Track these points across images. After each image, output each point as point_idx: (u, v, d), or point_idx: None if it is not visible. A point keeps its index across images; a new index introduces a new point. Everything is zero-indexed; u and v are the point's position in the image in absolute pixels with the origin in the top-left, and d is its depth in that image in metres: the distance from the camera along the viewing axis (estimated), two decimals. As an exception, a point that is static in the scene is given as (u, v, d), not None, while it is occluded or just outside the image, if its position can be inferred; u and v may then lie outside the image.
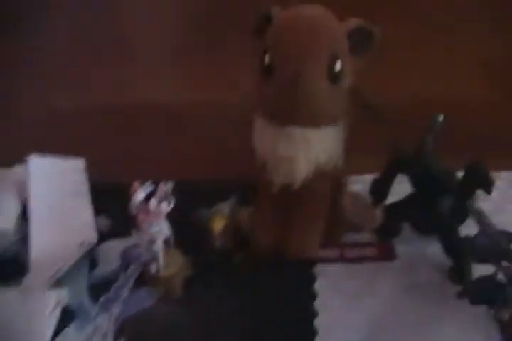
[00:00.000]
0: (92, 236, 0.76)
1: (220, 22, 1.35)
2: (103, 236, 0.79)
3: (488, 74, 1.17)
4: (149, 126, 1.05)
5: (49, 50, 1.29)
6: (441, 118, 0.67)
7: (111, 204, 0.83)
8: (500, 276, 0.70)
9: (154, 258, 0.70)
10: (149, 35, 1.39)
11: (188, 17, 1.46)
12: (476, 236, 0.73)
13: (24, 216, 0.77)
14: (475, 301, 0.69)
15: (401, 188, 0.77)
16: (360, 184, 0.85)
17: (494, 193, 0.81)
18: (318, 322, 0.68)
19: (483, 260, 0.72)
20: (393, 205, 0.76)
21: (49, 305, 0.66)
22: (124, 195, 0.80)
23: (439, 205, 0.71)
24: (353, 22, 0.67)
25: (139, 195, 0.65)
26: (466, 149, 0.67)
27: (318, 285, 0.73)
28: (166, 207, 0.67)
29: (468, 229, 0.75)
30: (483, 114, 1.03)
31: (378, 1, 1.34)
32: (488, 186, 0.62)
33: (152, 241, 0.68)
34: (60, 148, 0.86)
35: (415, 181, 0.70)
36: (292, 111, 0.65)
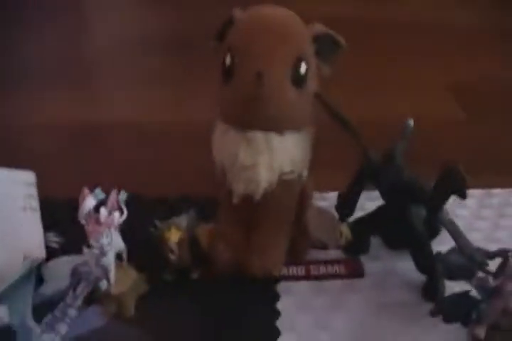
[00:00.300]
0: (40, 252, 0.70)
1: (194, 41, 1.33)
2: (53, 253, 0.74)
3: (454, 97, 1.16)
4: (106, 142, 1.02)
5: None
6: (412, 123, 0.65)
7: (62, 220, 0.79)
8: (474, 293, 0.66)
9: (104, 274, 0.64)
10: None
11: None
12: (448, 252, 0.70)
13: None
14: (449, 319, 0.66)
15: (369, 205, 0.75)
16: (326, 201, 0.82)
17: (464, 211, 0.79)
18: (282, 342, 0.63)
19: (455, 277, 0.69)
20: (361, 220, 0.73)
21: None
22: (76, 210, 0.76)
23: (410, 217, 0.67)
24: (318, 27, 0.64)
25: (89, 202, 0.60)
26: (431, 167, 0.64)
27: (281, 304, 0.68)
28: (118, 217, 0.62)
29: (440, 246, 0.72)
30: (449, 134, 1.03)
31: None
32: (463, 189, 0.59)
33: (102, 255, 0.62)
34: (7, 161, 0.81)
35: (385, 191, 0.67)
36: (254, 114, 0.61)
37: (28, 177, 0.79)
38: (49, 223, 0.77)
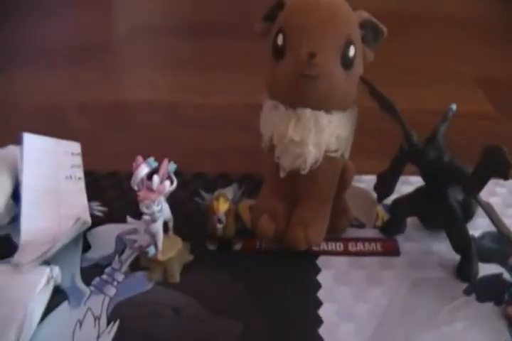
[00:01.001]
0: (87, 217, 0.72)
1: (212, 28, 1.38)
2: (97, 222, 0.76)
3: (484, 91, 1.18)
4: (148, 120, 1.04)
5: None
6: (454, 107, 0.66)
7: (106, 192, 0.81)
8: (506, 276, 0.70)
9: (152, 240, 0.66)
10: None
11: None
12: (481, 237, 0.75)
13: (16, 195, 0.74)
14: (482, 298, 0.68)
15: (406, 189, 0.76)
16: (364, 183, 0.84)
17: (497, 199, 0.81)
18: (323, 312, 0.66)
19: (488, 260, 0.72)
20: (399, 200, 0.74)
21: (40, 281, 0.63)
22: (120, 183, 0.78)
23: (448, 197, 0.68)
24: (365, 14, 0.67)
25: (143, 169, 0.62)
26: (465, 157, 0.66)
27: (322, 276, 0.70)
28: (169, 186, 0.64)
29: (474, 230, 0.75)
30: (478, 127, 1.05)
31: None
32: (506, 170, 0.60)
33: (152, 221, 0.64)
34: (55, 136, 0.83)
35: (425, 171, 0.68)
36: (304, 91, 0.63)
37: (74, 147, 0.81)
38: (93, 193, 0.80)
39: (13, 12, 1.43)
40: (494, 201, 0.84)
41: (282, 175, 0.68)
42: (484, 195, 0.77)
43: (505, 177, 0.60)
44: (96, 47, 1.32)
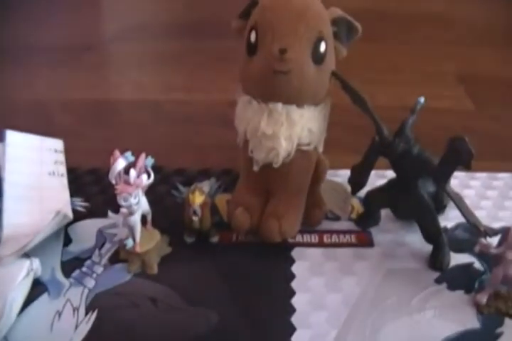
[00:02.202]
0: (68, 211, 0.73)
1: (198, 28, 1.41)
2: (79, 217, 0.78)
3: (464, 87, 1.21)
4: (132, 119, 1.06)
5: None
6: (422, 100, 0.68)
7: (88, 188, 0.83)
8: (477, 265, 0.73)
9: (131, 233, 0.68)
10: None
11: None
12: (453, 228, 0.78)
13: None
14: (453, 287, 0.70)
15: (380, 182, 0.77)
16: (339, 177, 0.86)
17: (470, 192, 0.83)
18: (296, 301, 0.68)
19: (460, 250, 0.74)
20: (372, 192, 0.76)
21: (20, 273, 0.64)
22: (102, 179, 0.80)
23: (418, 189, 0.70)
24: (337, 11, 0.69)
25: (120, 163, 0.64)
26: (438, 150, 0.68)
27: (296, 267, 0.72)
28: (146, 179, 0.66)
29: (446, 221, 0.78)
30: (456, 122, 1.07)
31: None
32: (469, 160, 0.62)
33: (130, 214, 0.66)
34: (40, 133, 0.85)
35: (394, 162, 0.70)
36: (276, 86, 0.65)
37: (58, 144, 0.83)
38: (75, 189, 0.82)
39: (-1, 11, 1.45)
40: (468, 193, 0.86)
41: (256, 168, 0.70)
42: (458, 187, 0.80)
43: (468, 167, 0.62)
44: (83, 46, 1.34)
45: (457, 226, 0.79)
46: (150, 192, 0.70)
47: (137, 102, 1.11)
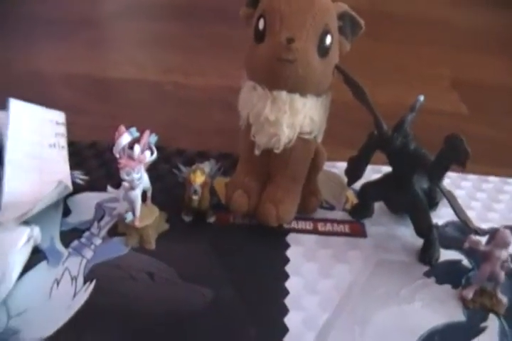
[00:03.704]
0: (68, 184, 0.74)
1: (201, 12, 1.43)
2: (78, 189, 0.79)
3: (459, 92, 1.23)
4: (132, 97, 1.07)
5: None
6: (422, 99, 0.70)
7: (88, 161, 0.84)
8: (465, 262, 0.75)
9: (131, 207, 0.69)
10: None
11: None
12: (445, 225, 0.79)
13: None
14: (441, 281, 0.72)
15: (376, 177, 0.79)
16: (336, 169, 0.88)
17: (461, 192, 0.85)
18: (289, 284, 0.69)
19: (449, 246, 0.76)
20: (367, 185, 0.78)
21: (21, 238, 0.65)
22: (102, 153, 0.81)
23: (413, 184, 0.72)
24: (344, 6, 0.70)
25: (125, 138, 0.64)
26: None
27: (290, 252, 0.73)
28: (149, 156, 0.67)
29: (438, 219, 0.80)
30: (450, 126, 1.08)
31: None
32: (464, 159, 0.64)
33: (132, 188, 0.67)
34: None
35: (391, 157, 0.72)
36: (281, 74, 0.66)
37: (59, 116, 0.83)
38: (75, 163, 0.83)
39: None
40: (459, 193, 0.88)
41: (257, 152, 0.71)
42: (450, 188, 0.81)
43: (463, 165, 0.64)
44: (85, 22, 1.35)
45: (448, 224, 0.81)
46: (151, 170, 0.72)
47: (137, 81, 1.11)
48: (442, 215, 0.81)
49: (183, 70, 1.18)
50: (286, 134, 0.69)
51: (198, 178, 0.70)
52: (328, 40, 0.67)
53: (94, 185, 0.80)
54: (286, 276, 0.70)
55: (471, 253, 0.73)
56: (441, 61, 1.36)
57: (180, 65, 1.20)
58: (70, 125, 0.86)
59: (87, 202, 0.77)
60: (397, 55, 1.36)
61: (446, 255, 0.76)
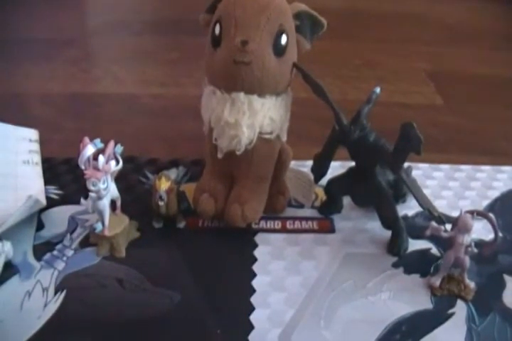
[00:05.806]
0: (41, 198, 0.76)
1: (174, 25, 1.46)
2: (53, 204, 0.81)
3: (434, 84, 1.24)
4: (108, 111, 1.10)
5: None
6: (378, 90, 0.71)
7: (62, 177, 0.86)
8: (434, 251, 0.76)
9: (100, 217, 0.71)
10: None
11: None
12: (414, 216, 0.81)
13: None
14: (409, 271, 0.73)
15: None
16: (304, 167, 0.88)
17: (433, 182, 0.86)
18: (256, 283, 0.71)
19: (418, 236, 0.77)
20: (333, 180, 0.79)
21: (-8, 255, 0.67)
22: (75, 168, 0.83)
23: (375, 175, 0.73)
24: (300, 6, 0.72)
25: (89, 149, 0.66)
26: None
27: (258, 251, 0.75)
28: (115, 166, 0.69)
29: (407, 210, 0.82)
30: (425, 117, 1.11)
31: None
32: (418, 145, 0.65)
33: (99, 198, 0.69)
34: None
35: (352, 150, 0.73)
36: (238, 77, 0.68)
37: (32, 134, 0.85)
38: (49, 178, 0.85)
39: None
40: (430, 184, 0.89)
41: (220, 155, 0.73)
42: (421, 178, 0.83)
43: (418, 152, 0.65)
44: (63, 40, 1.38)
45: (417, 214, 0.82)
46: (122, 180, 0.75)
47: (114, 95, 1.14)
48: (412, 206, 0.82)
49: (160, 82, 1.20)
50: (246, 135, 0.70)
51: (163, 184, 0.72)
52: (284, 39, 0.68)
53: (68, 199, 0.82)
54: (253, 275, 0.71)
55: (438, 241, 0.74)
56: (417, 55, 1.38)
57: (157, 77, 1.22)
58: (45, 142, 0.88)
59: (60, 216, 0.79)
60: (371, 51, 1.37)
61: (416, 245, 0.77)
